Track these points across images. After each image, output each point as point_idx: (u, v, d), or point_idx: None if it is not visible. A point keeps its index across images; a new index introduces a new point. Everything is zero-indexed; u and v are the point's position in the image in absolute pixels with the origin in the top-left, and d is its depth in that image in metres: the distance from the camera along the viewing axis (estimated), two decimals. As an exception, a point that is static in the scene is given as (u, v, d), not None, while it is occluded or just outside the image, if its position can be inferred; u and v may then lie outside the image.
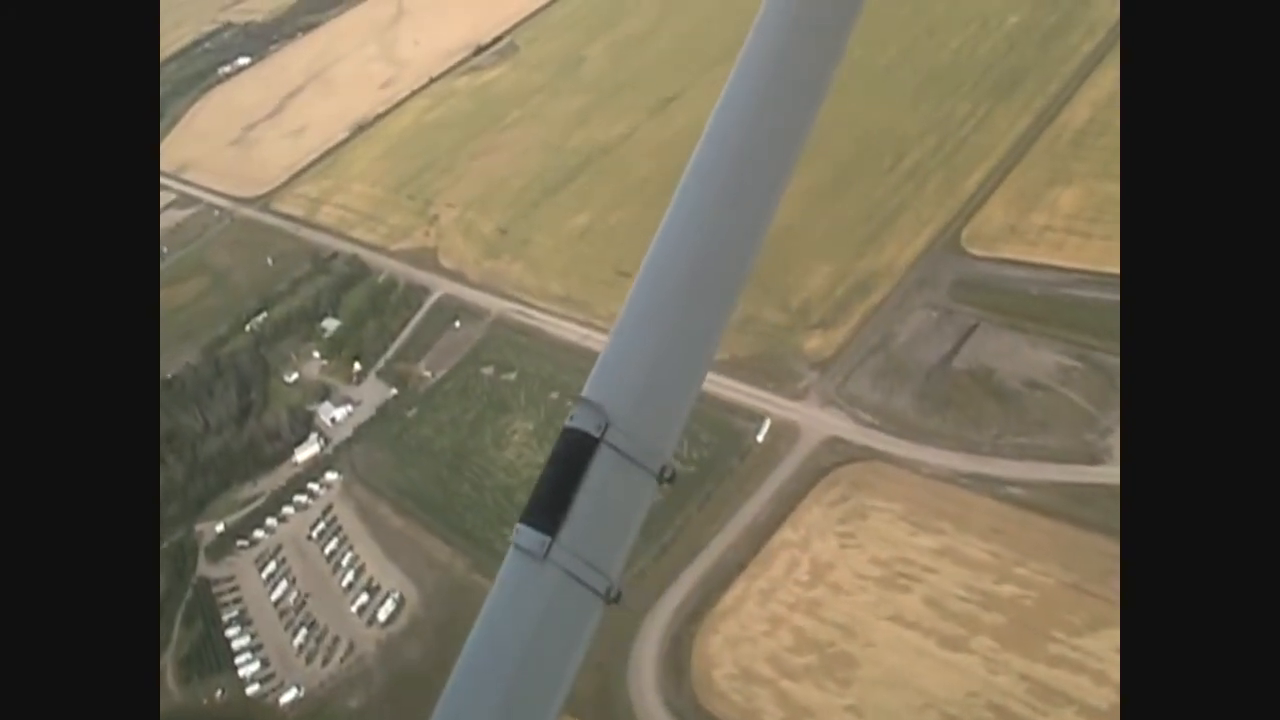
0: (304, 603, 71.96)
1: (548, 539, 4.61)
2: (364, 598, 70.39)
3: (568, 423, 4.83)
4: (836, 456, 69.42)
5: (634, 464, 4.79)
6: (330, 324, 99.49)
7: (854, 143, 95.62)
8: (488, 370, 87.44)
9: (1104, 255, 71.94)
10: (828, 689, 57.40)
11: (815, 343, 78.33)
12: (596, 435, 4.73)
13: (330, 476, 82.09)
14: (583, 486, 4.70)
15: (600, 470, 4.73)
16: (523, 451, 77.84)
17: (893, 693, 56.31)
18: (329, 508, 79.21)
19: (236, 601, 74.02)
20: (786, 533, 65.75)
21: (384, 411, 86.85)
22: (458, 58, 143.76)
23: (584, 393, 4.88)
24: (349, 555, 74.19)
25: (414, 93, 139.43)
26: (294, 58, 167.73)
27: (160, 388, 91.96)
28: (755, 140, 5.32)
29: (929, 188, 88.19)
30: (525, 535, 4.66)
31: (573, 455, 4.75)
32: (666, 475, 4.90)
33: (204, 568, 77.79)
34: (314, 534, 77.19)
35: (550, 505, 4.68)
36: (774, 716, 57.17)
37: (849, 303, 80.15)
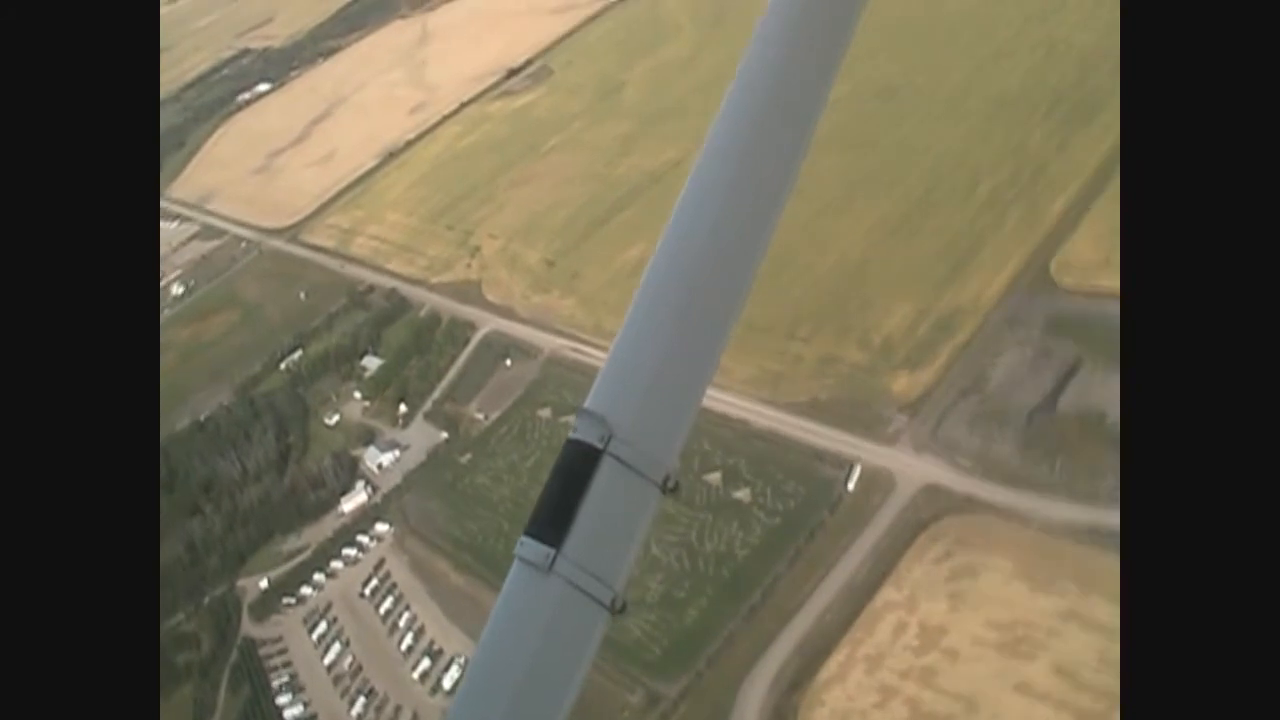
0: (360, 668, 66.31)
1: (552, 551, 4.53)
2: (425, 662, 64.88)
3: (571, 435, 4.82)
4: (937, 508, 64.48)
5: (637, 475, 4.71)
6: (371, 362, 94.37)
7: (926, 173, 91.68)
8: (544, 413, 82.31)
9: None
10: (953, 771, 52.06)
11: (902, 384, 73.49)
12: (600, 446, 4.70)
13: (380, 528, 76.77)
14: (586, 498, 4.64)
15: (603, 481, 4.67)
16: (590, 501, 72.52)
17: (1027, 776, 50.90)
18: (381, 562, 73.81)
19: (286, 665, 68.40)
20: (889, 592, 60.68)
21: (435, 457, 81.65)
22: (488, 82, 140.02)
23: (586, 404, 4.85)
24: (406, 615, 68.69)
25: (445, 118, 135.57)
26: (317, 83, 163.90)
27: (196, 428, 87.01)
28: (757, 149, 5.22)
29: (1010, 219, 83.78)
30: (529, 547, 4.59)
31: (576, 467, 4.70)
32: (670, 485, 4.78)
33: (248, 627, 72.14)
34: (366, 591, 71.76)
35: (554, 517, 4.61)
36: (897, 802, 51.72)
37: (934, 341, 75.39)
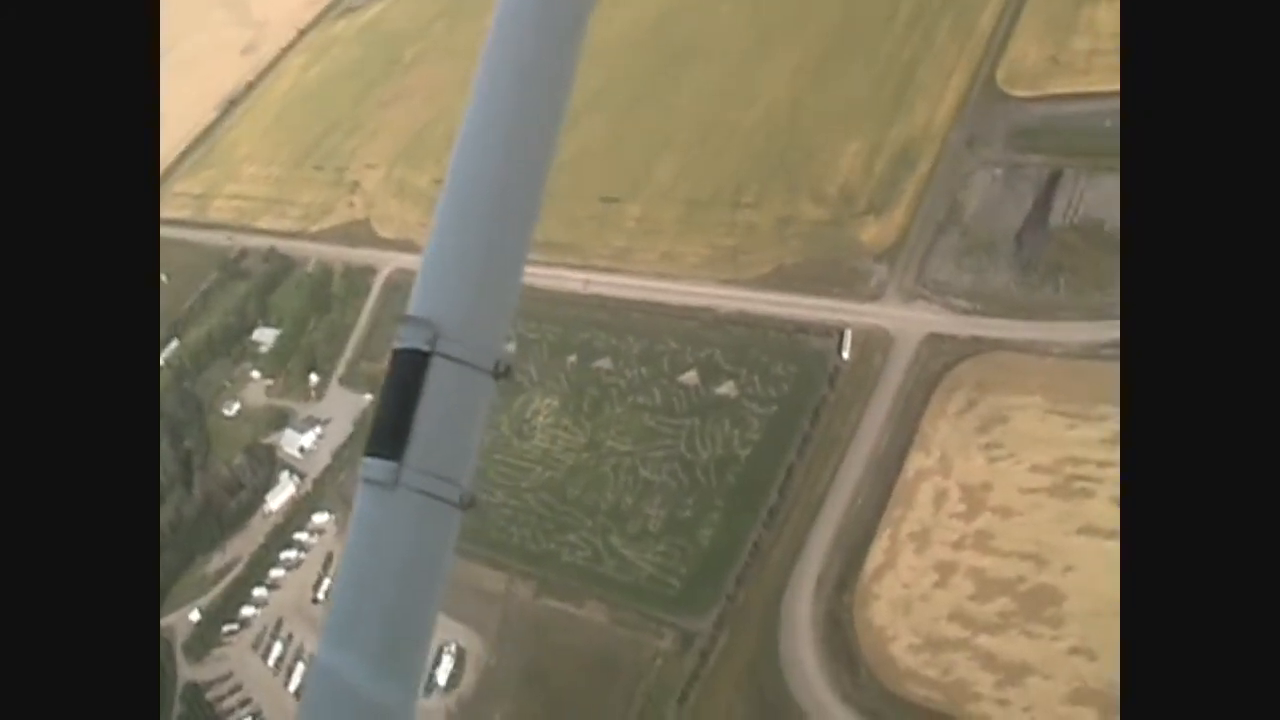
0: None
1: (395, 465, 4.42)
2: (410, 659, 55.24)
3: (396, 344, 4.64)
4: (945, 356, 58.00)
5: (469, 367, 4.60)
6: (265, 335, 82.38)
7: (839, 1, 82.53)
8: (478, 347, 71.88)
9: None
10: (1038, 635, 46.41)
11: (871, 231, 65.86)
12: (427, 349, 4.56)
13: (319, 519, 66.54)
14: (421, 403, 4.48)
15: (436, 382, 4.53)
16: (556, 435, 63.41)
17: (1118, 622, 44.76)
18: (329, 558, 63.40)
19: (244, 704, 58.06)
20: (919, 459, 54.32)
21: (363, 425, 70.58)
22: (325, 2, 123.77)
23: (408, 310, 4.70)
24: (374, 609, 58.63)
25: (284, 50, 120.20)
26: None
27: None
28: (545, 16, 5.14)
29: (940, 33, 75.85)
30: (372, 467, 4.46)
31: (407, 375, 4.54)
32: (501, 369, 4.68)
33: (188, 671, 60.92)
34: (320, 595, 61.55)
35: (392, 431, 4.49)
36: (987, 684, 45.41)
37: (895, 179, 67.80)
